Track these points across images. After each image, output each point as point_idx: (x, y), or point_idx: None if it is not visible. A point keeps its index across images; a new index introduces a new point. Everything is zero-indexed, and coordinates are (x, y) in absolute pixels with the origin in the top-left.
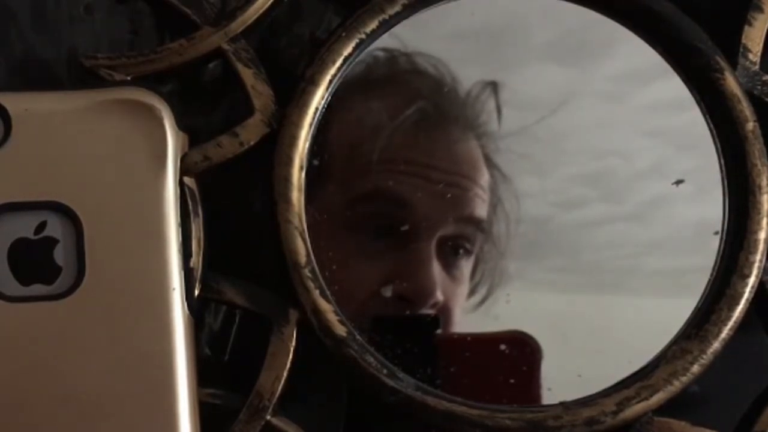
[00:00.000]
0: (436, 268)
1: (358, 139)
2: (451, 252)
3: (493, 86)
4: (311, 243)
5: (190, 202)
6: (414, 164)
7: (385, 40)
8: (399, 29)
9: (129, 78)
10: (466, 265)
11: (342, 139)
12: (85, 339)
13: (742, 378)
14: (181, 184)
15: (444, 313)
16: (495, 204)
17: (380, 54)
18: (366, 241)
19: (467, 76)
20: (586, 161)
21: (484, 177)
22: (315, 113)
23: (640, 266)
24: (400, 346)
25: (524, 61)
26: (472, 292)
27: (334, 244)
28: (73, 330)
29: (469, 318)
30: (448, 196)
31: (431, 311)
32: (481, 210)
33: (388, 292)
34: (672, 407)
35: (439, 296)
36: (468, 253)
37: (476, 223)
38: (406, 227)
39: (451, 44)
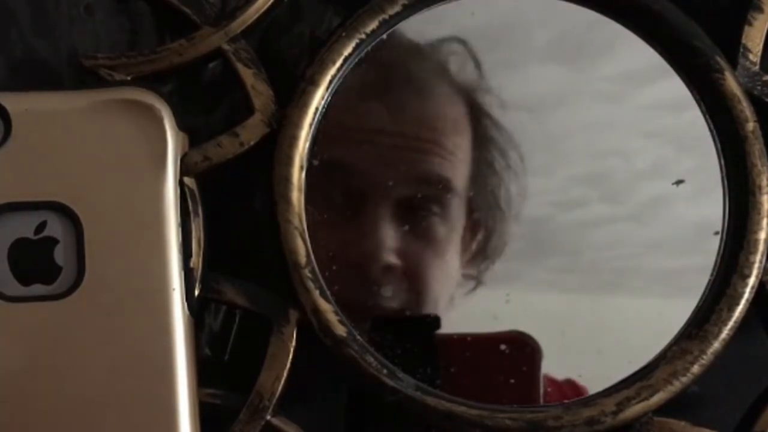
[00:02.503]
0: (388, 232)
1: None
2: (414, 214)
3: (462, 42)
4: (311, 243)
5: (190, 202)
6: (360, 131)
7: None
8: (400, 29)
9: (129, 78)
10: (440, 227)
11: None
12: (85, 339)
13: (742, 378)
14: (181, 184)
15: (410, 276)
16: (481, 163)
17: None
18: (330, 212)
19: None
20: (586, 161)
21: (453, 137)
22: (315, 113)
23: (640, 266)
24: (400, 346)
25: (524, 61)
26: (474, 255)
27: (313, 217)
28: (73, 330)
29: (460, 294)
30: (399, 158)
31: (386, 276)
32: (445, 170)
33: (388, 291)
34: (672, 407)
35: (391, 260)
36: (436, 214)
37: (438, 183)
38: (359, 194)
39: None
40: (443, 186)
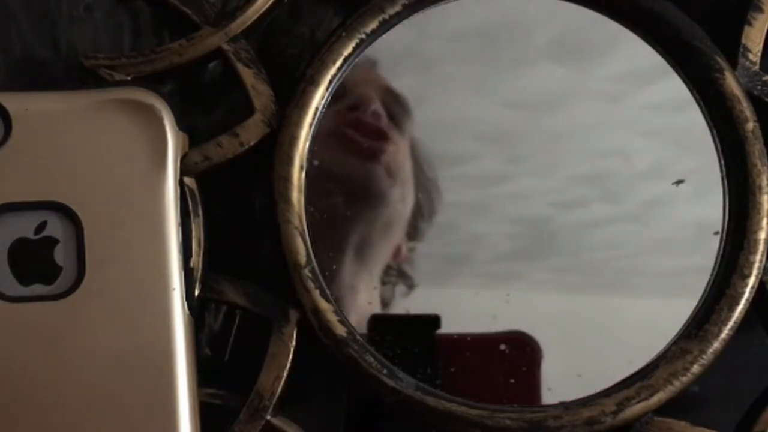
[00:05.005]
0: None
1: None
2: None
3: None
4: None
5: (190, 202)
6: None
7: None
8: (399, 29)
9: (129, 78)
10: None
11: None
12: (85, 339)
13: (742, 378)
14: (181, 184)
15: None
16: None
17: None
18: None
19: (467, 75)
20: (586, 161)
21: None
22: (315, 113)
23: (640, 266)
24: (400, 346)
25: (524, 61)
26: None
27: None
28: (73, 330)
29: None
30: None
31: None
32: None
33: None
34: (672, 407)
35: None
36: None
37: None
38: None
39: (451, 44)
40: None
